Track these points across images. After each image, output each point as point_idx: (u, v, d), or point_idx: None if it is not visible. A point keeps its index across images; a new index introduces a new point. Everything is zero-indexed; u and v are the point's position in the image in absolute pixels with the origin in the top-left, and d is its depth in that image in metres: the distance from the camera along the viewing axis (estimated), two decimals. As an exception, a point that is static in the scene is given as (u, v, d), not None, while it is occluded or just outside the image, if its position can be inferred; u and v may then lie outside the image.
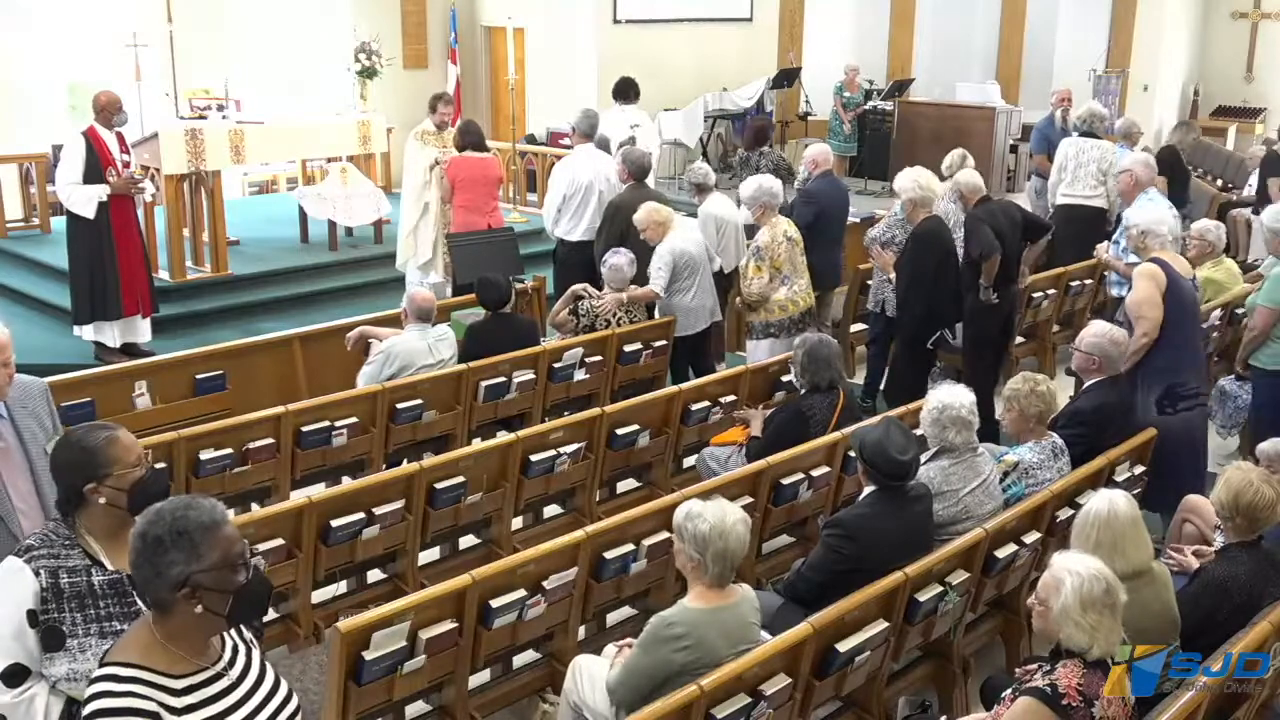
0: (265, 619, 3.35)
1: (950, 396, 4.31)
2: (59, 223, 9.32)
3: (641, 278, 6.74)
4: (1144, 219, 5.78)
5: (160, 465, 2.79)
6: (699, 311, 6.83)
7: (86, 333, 7.85)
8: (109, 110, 7.60)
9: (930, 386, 6.16)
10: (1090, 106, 9.23)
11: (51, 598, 2.65)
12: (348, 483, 5.10)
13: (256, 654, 2.49)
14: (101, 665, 2.31)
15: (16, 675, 2.64)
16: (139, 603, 2.67)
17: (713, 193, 7.56)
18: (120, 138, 7.71)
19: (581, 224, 7.82)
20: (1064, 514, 4.47)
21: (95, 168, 7.49)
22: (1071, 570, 3.00)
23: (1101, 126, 9.06)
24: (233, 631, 2.43)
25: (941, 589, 3.92)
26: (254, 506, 5.03)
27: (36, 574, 2.65)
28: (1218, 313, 7.03)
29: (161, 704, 2.24)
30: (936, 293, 6.32)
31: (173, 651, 2.29)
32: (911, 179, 6.38)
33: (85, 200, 7.48)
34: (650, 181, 8.01)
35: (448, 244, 8.24)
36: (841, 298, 8.15)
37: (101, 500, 2.73)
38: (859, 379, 7.52)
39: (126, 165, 7.71)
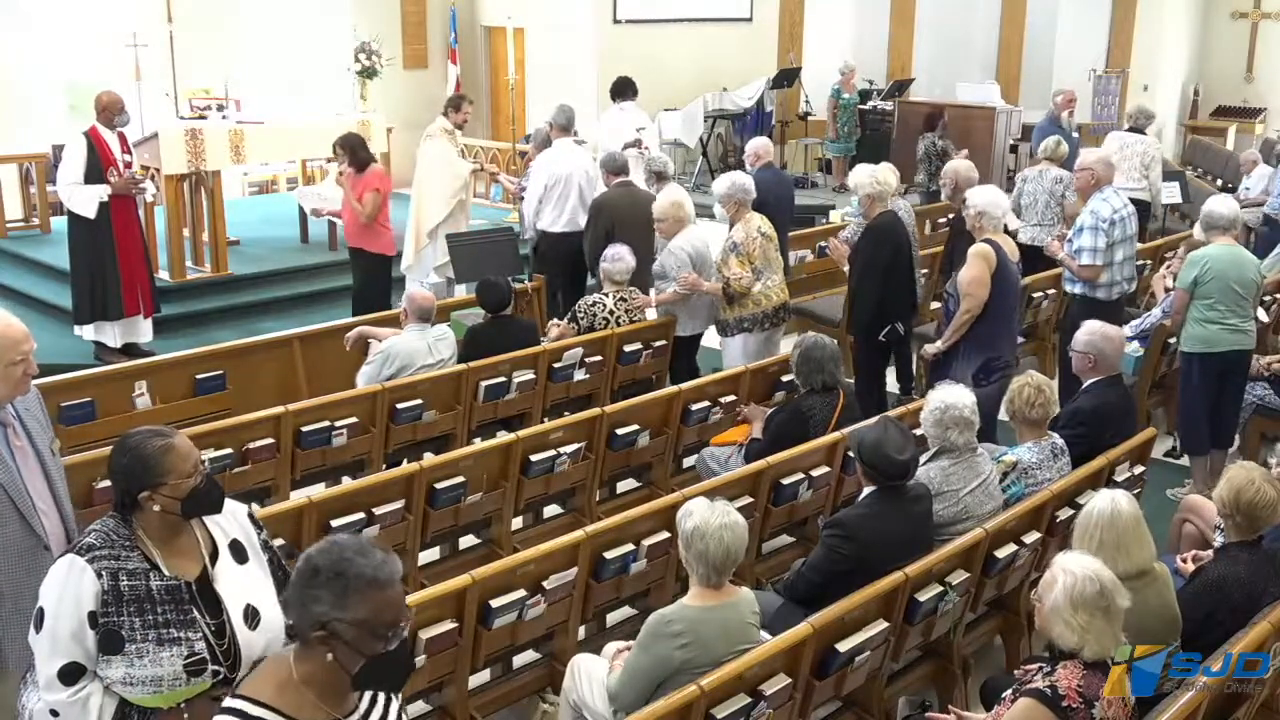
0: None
1: (953, 396, 4.31)
2: (59, 223, 9.33)
3: (640, 278, 6.75)
4: (981, 200, 5.88)
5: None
6: (702, 310, 6.84)
7: (87, 332, 7.85)
8: (110, 110, 7.59)
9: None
10: (1140, 104, 9.78)
11: (112, 600, 2.64)
12: (348, 483, 5.10)
13: (395, 705, 2.42)
14: (232, 695, 2.27)
15: (72, 674, 2.64)
16: (194, 611, 2.68)
17: (670, 183, 7.63)
18: (122, 138, 7.72)
19: (564, 215, 7.89)
20: (1064, 514, 4.47)
21: (96, 168, 7.49)
22: (1067, 569, 3.01)
23: (1148, 123, 9.57)
24: None
25: (941, 589, 3.92)
26: (254, 506, 5.02)
27: (99, 575, 2.63)
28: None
29: None
30: (889, 287, 6.35)
31: (306, 695, 2.22)
32: (869, 174, 6.45)
33: (86, 200, 7.48)
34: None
35: (447, 244, 8.22)
36: (839, 296, 8.14)
37: (156, 507, 2.71)
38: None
39: (128, 165, 7.72)
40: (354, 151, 7.77)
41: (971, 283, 5.72)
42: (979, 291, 5.68)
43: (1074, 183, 6.78)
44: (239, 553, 2.85)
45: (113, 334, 7.84)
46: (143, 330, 7.99)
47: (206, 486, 2.79)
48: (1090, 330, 5.09)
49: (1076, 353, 5.11)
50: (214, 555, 2.80)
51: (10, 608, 3.20)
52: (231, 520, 2.90)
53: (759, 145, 8.02)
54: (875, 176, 6.40)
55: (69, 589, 2.63)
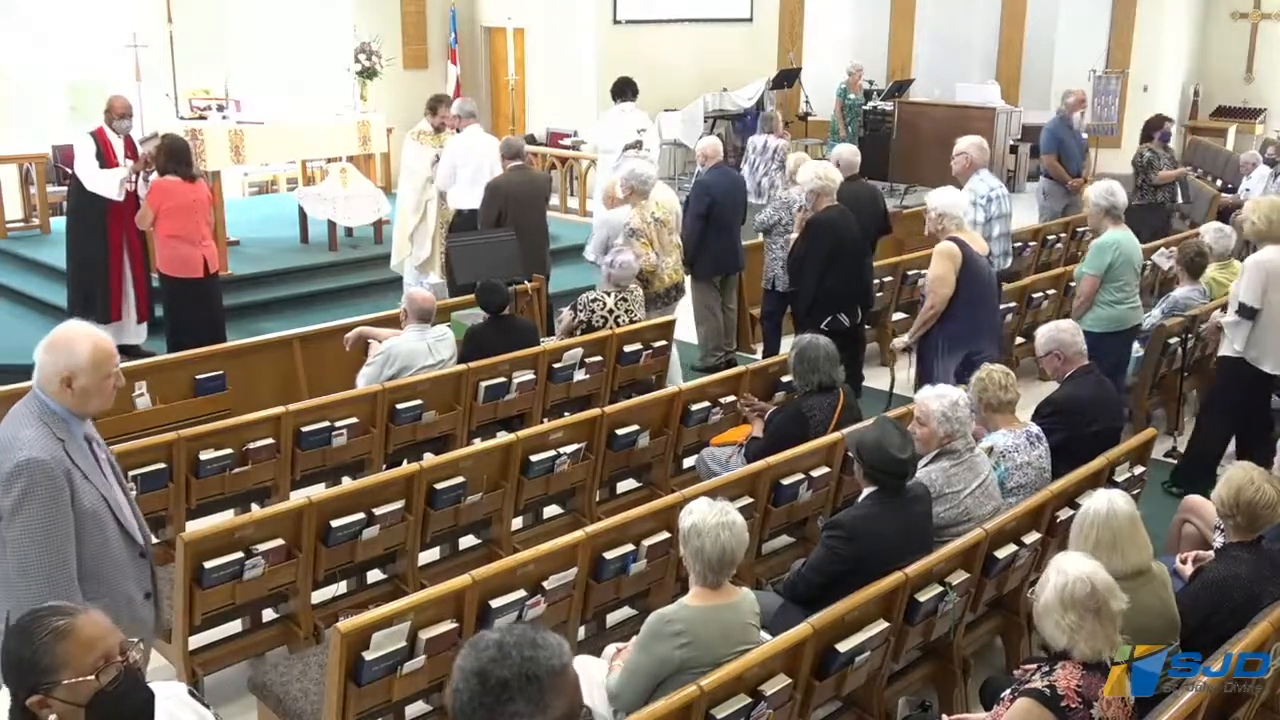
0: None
1: (954, 393, 4.34)
2: (59, 223, 9.34)
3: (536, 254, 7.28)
4: (941, 202, 5.96)
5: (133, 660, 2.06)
6: None
7: (77, 329, 7.87)
8: (113, 114, 7.72)
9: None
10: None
11: None
12: (348, 483, 5.10)
13: None
14: None
15: None
16: None
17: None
18: (129, 142, 7.83)
19: (474, 192, 8.20)
20: (1064, 514, 4.46)
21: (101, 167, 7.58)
22: (1060, 568, 3.02)
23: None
24: None
25: (941, 589, 3.92)
26: (254, 506, 5.03)
27: None
28: (1217, 313, 7.03)
29: None
30: (831, 277, 6.53)
31: None
32: (812, 171, 6.73)
33: (108, 183, 7.57)
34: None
35: (445, 245, 8.27)
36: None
37: (52, 717, 2.01)
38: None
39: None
40: (157, 153, 7.37)
41: (934, 280, 5.84)
42: (942, 289, 5.79)
43: (953, 166, 7.10)
44: None
45: (105, 334, 7.85)
46: (132, 333, 7.98)
47: (121, 687, 2.05)
48: (1044, 332, 5.21)
49: (1043, 358, 5.21)
50: None
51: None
52: (182, 708, 2.27)
53: (707, 146, 8.17)
54: (818, 172, 6.65)
55: None
